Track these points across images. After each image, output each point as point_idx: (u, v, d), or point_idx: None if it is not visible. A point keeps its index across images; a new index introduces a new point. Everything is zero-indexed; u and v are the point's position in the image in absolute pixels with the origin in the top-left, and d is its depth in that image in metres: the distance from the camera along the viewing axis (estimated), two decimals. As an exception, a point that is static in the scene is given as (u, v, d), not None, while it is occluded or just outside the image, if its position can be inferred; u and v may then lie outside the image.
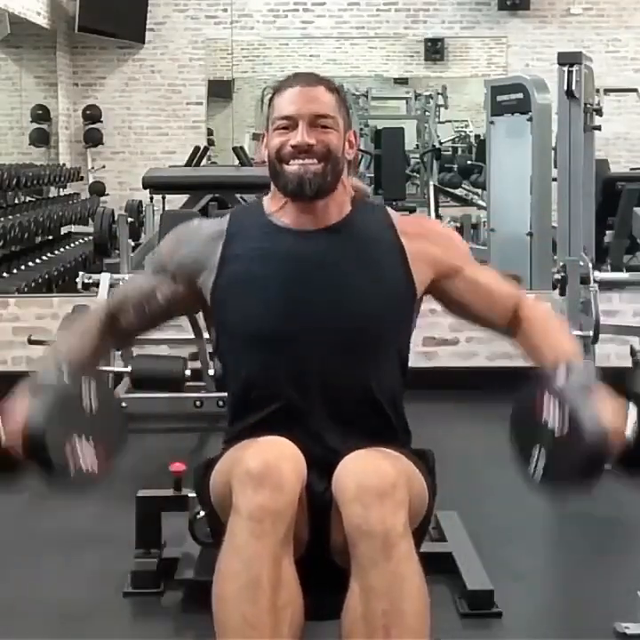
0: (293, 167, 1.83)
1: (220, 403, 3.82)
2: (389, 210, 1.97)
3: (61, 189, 8.49)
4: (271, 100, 1.89)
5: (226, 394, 2.03)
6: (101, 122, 9.02)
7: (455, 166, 9.44)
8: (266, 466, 1.65)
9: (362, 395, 1.85)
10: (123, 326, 1.97)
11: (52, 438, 1.67)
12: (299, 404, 1.82)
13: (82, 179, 8.89)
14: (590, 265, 3.87)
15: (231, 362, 1.94)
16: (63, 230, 8.03)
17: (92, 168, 9.10)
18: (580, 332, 3.85)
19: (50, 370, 1.78)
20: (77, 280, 4.24)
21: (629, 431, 1.69)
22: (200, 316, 4.14)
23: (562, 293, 3.93)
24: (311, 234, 1.87)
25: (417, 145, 9.92)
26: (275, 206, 1.91)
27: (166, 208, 5.79)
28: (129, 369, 4.02)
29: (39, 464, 1.71)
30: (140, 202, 6.03)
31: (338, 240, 1.87)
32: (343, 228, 1.89)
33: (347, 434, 1.81)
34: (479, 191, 8.68)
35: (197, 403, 4.14)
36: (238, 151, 6.61)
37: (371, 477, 1.66)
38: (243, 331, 1.87)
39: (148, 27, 8.87)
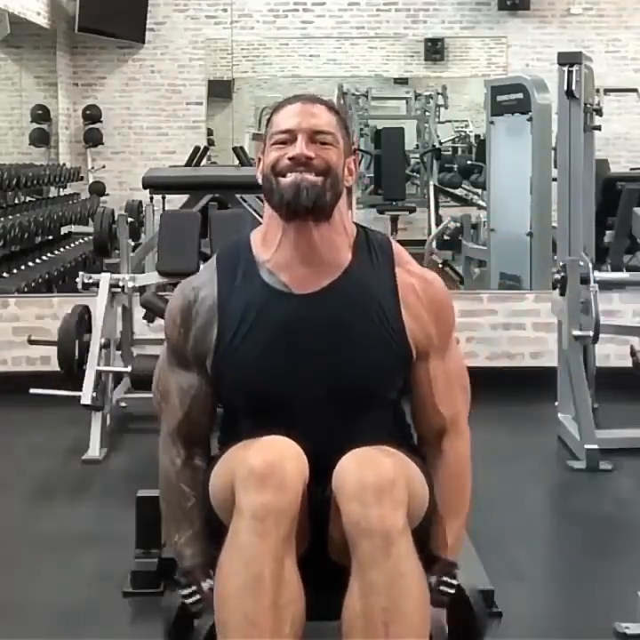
0: (290, 177, 1.76)
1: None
2: (395, 247, 1.87)
3: (61, 189, 8.49)
4: (269, 119, 1.83)
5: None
6: (101, 122, 9.01)
7: (455, 166, 9.43)
8: (268, 465, 1.65)
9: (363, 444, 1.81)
10: (201, 435, 1.90)
11: None
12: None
13: (82, 179, 8.88)
14: (590, 265, 3.87)
15: (230, 427, 1.91)
16: (63, 230, 8.03)
17: (92, 168, 9.10)
18: (579, 332, 3.85)
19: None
20: (77, 280, 4.25)
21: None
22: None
23: (562, 293, 3.93)
24: (308, 298, 1.79)
25: (417, 145, 9.92)
26: (266, 251, 1.82)
27: (166, 208, 5.78)
28: (129, 369, 4.02)
29: None
30: (140, 202, 6.02)
31: (336, 304, 1.79)
32: (342, 288, 1.80)
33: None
34: (479, 191, 8.68)
35: (197, 403, 4.12)
36: (238, 151, 6.60)
37: (370, 475, 1.66)
38: (241, 401, 1.85)
39: (148, 27, 8.86)
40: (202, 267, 1.91)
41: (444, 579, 1.80)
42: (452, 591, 1.80)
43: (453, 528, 1.85)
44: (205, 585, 1.79)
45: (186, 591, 1.80)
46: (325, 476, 1.73)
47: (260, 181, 1.82)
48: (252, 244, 1.85)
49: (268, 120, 1.84)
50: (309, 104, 1.81)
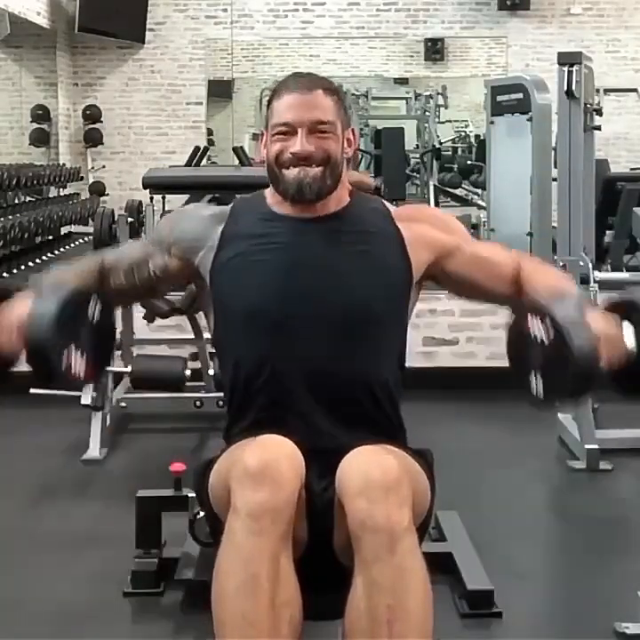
0: (293, 172, 1.86)
1: (220, 403, 3.82)
2: (385, 202, 2.00)
3: (61, 189, 8.49)
4: (270, 101, 1.91)
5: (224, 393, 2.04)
6: (101, 122, 9.02)
7: (455, 166, 9.44)
8: (264, 464, 1.65)
9: (359, 385, 1.86)
10: (110, 286, 1.99)
11: (54, 342, 1.75)
12: (294, 393, 1.82)
13: (82, 179, 8.88)
14: (590, 265, 3.88)
15: (227, 344, 1.95)
16: (63, 230, 8.03)
17: (92, 168, 9.10)
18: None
19: (57, 281, 1.85)
20: (77, 280, 4.23)
21: (629, 342, 1.72)
22: (200, 316, 4.15)
23: (562, 293, 3.93)
24: (310, 222, 1.90)
25: (417, 145, 9.93)
26: (276, 198, 1.94)
27: (166, 208, 5.77)
28: (129, 369, 4.02)
29: (35, 362, 1.80)
30: (140, 202, 6.00)
31: (336, 228, 1.90)
32: (341, 217, 1.92)
33: (344, 427, 1.81)
34: (479, 191, 8.69)
35: (197, 403, 4.14)
36: (238, 151, 6.61)
37: (376, 472, 1.66)
38: (240, 312, 1.88)
39: (148, 27, 8.86)
40: None
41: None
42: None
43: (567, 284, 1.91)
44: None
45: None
46: (324, 390, 1.81)
47: (263, 156, 1.92)
48: (265, 195, 1.98)
49: (269, 101, 1.91)
50: (308, 93, 1.87)
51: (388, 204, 1.99)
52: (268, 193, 1.97)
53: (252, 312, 1.86)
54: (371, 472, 1.66)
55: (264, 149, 1.91)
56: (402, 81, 10.03)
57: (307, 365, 1.83)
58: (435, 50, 9.34)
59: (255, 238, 1.90)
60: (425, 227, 1.94)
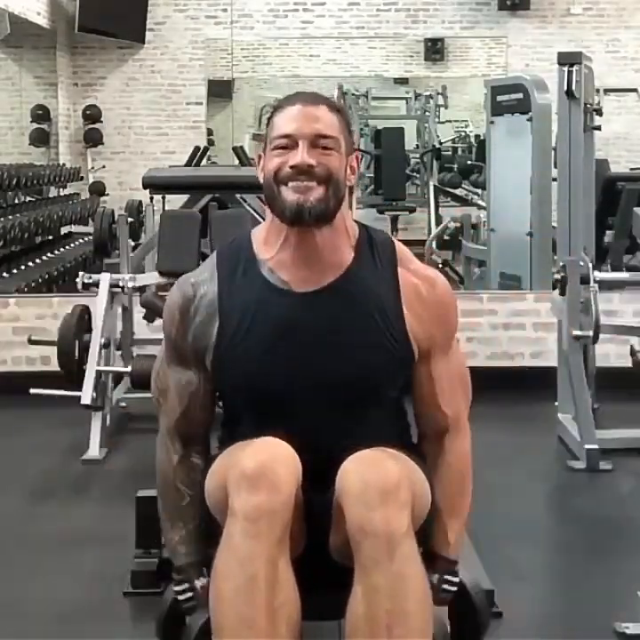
0: (293, 196, 1.73)
1: (220, 403, 3.82)
2: (398, 247, 1.86)
3: (61, 189, 8.49)
4: (270, 119, 1.80)
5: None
6: (101, 122, 9.01)
7: (455, 166, 9.44)
8: (261, 467, 1.65)
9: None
10: (199, 432, 1.89)
11: None
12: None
13: (82, 179, 8.88)
14: (590, 265, 3.88)
15: (231, 423, 1.91)
16: (63, 230, 8.03)
17: (92, 168, 9.09)
18: (579, 332, 3.85)
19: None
20: (77, 280, 4.25)
21: None
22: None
23: (562, 293, 3.93)
24: (309, 296, 1.78)
25: (417, 145, 9.92)
26: (267, 251, 1.81)
27: (166, 208, 5.77)
28: (129, 369, 4.02)
29: None
30: (140, 202, 6.00)
31: (337, 303, 1.78)
32: (343, 287, 1.79)
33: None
34: (479, 191, 8.68)
35: (197, 403, 4.12)
36: (238, 151, 6.61)
37: (374, 477, 1.65)
38: (243, 400, 1.84)
39: (148, 27, 8.86)
40: (202, 264, 1.93)
41: (447, 577, 1.82)
42: (455, 589, 1.81)
43: (454, 527, 1.84)
44: (198, 583, 1.81)
45: (178, 588, 1.82)
46: (327, 476, 1.72)
47: (260, 180, 1.81)
48: (252, 242, 1.84)
49: (269, 119, 1.81)
50: (311, 106, 1.77)
51: (400, 253, 1.84)
52: (258, 241, 1.83)
53: (254, 398, 1.81)
54: (370, 477, 1.65)
55: (261, 173, 1.80)
56: (402, 81, 10.02)
57: (310, 442, 1.75)
58: (435, 50, 9.33)
59: (251, 321, 1.78)
60: (423, 320, 1.80)
